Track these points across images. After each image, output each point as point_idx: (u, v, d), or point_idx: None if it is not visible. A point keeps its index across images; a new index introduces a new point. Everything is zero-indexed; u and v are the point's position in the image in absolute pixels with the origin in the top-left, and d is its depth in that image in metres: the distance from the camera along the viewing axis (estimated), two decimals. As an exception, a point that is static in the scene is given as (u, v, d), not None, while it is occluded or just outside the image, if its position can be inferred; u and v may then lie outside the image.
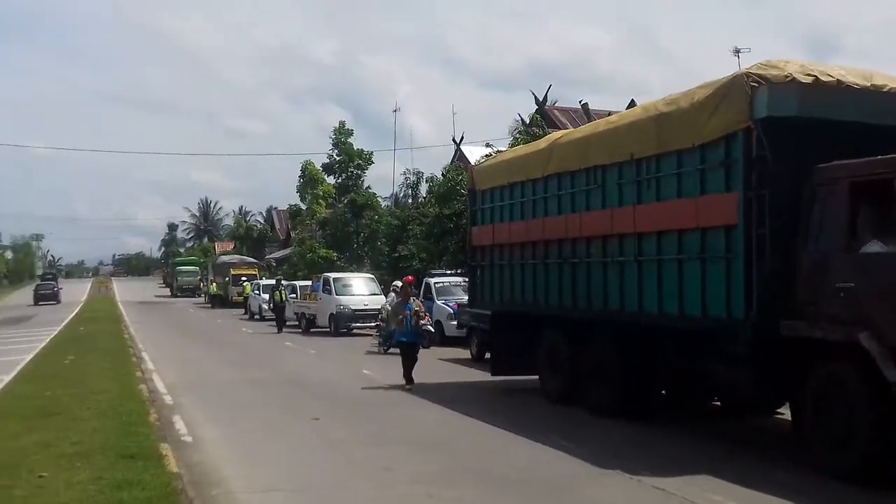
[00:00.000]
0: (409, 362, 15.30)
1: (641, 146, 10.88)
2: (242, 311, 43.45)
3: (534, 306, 13.62)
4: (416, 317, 15.49)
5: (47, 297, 63.59)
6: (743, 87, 9.09)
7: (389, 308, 22.53)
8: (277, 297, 32.10)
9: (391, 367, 17.01)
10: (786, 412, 10.18)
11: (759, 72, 9.13)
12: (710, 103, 9.67)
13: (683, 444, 10.21)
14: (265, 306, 37.27)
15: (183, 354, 22.76)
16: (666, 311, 10.46)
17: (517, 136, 30.70)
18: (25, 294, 75.47)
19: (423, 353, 16.23)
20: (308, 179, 51.62)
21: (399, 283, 24.47)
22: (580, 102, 39.29)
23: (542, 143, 14.39)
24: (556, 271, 12.87)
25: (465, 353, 20.47)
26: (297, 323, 32.21)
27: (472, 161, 27.95)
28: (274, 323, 32.27)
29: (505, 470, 9.00)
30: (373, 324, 25.54)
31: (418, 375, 15.33)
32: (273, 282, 36.29)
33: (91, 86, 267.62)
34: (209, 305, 55.44)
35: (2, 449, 9.65)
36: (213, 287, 56.39)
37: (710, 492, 7.82)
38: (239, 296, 47.39)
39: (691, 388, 11.81)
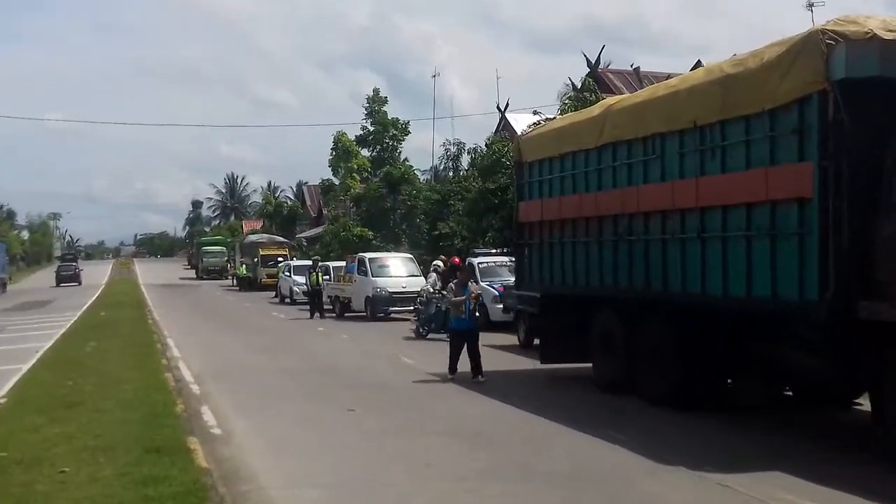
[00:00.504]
0: (459, 351, 14.89)
1: (705, 112, 10.74)
2: (273, 293, 43.55)
3: (586, 287, 13.57)
4: (475, 301, 15.27)
5: (69, 278, 66.68)
6: (818, 46, 8.91)
7: (430, 290, 22.72)
8: (314, 280, 30.92)
9: (432, 354, 17.08)
10: (865, 403, 10.04)
11: (835, 28, 8.94)
12: (781, 64, 9.50)
13: (750, 437, 10.12)
14: (296, 289, 37.22)
15: (210, 341, 23.07)
16: (731, 293, 10.34)
17: (567, 102, 30.47)
18: (43, 276, 77.29)
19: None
20: (341, 152, 51.91)
21: (440, 263, 24.66)
22: (632, 66, 38.89)
23: (595, 110, 14.27)
24: (611, 250, 12.80)
25: (511, 339, 20.47)
26: (330, 307, 31.99)
27: (519, 130, 27.87)
28: (307, 307, 31.58)
29: (554, 464, 9.00)
30: (412, 307, 25.59)
31: (463, 364, 14.96)
32: (309, 263, 35.55)
33: (117, 57, 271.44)
34: (237, 288, 55.84)
35: (22, 442, 9.87)
36: (242, 269, 56.74)
37: (781, 490, 7.73)
38: (269, 278, 47.38)
39: (759, 376, 11.68)
